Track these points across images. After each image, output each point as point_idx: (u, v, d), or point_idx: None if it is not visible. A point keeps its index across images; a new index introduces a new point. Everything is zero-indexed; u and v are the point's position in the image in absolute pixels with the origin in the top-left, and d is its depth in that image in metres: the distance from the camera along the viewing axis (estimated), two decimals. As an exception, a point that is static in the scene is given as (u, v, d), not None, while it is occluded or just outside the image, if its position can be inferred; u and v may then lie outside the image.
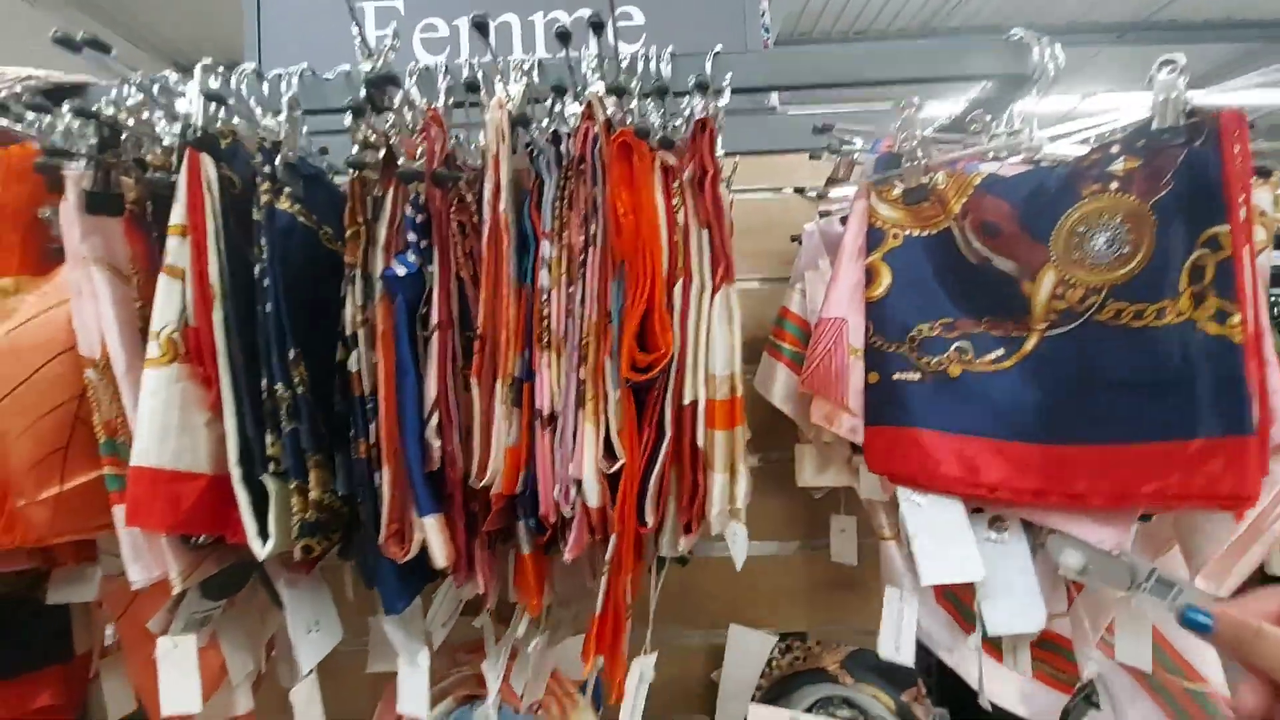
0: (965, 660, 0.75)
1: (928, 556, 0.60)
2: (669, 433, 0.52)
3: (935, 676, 0.93)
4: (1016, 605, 0.61)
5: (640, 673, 0.61)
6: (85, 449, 0.49)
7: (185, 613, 0.59)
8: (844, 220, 0.72)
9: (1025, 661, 0.68)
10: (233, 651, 0.66)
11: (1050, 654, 0.77)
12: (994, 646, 0.80)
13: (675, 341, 0.50)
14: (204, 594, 0.60)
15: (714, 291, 0.52)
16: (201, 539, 0.52)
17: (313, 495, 0.48)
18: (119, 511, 0.49)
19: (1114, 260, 0.56)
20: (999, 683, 0.78)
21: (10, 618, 0.72)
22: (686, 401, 0.52)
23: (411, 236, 0.49)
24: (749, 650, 0.95)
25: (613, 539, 0.51)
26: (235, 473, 0.48)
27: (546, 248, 0.50)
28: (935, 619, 0.78)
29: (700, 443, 0.52)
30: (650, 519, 0.52)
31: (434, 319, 0.48)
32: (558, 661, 0.75)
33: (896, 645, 0.64)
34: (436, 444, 0.49)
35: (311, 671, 0.59)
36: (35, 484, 0.46)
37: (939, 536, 0.60)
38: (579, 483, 0.50)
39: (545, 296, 0.50)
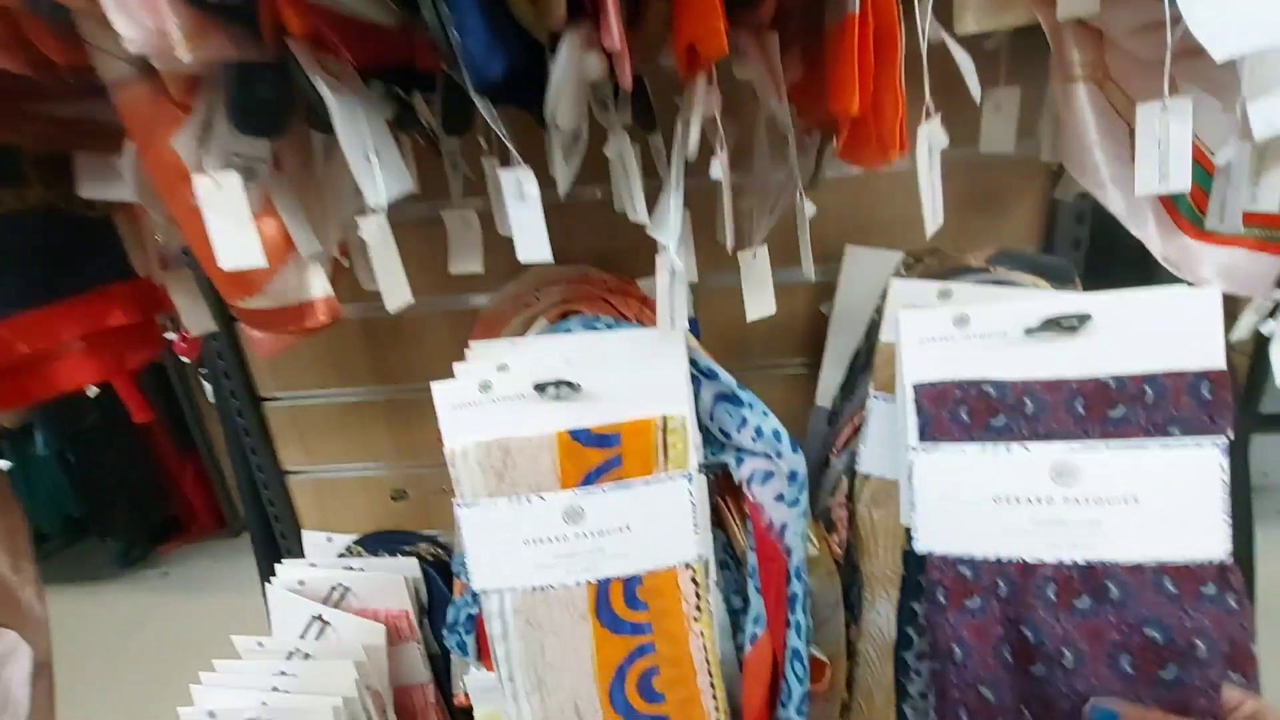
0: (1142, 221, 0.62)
1: (1211, 24, 0.42)
2: None
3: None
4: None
5: (929, 142, 0.48)
6: None
7: (217, 147, 0.48)
8: None
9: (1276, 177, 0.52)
10: (295, 225, 0.57)
11: (1261, 215, 0.62)
12: (1188, 220, 0.66)
13: None
14: (236, 125, 0.49)
15: None
16: (199, -14, 0.38)
17: None
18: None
19: None
20: (1192, 256, 0.65)
21: (54, 232, 0.66)
22: None
23: None
24: (868, 270, 0.83)
25: None
26: None
27: None
28: (1119, 189, 0.63)
29: None
30: None
31: None
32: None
33: (1162, 171, 0.48)
34: None
35: (382, 211, 0.49)
36: None
37: None
38: None
39: None
